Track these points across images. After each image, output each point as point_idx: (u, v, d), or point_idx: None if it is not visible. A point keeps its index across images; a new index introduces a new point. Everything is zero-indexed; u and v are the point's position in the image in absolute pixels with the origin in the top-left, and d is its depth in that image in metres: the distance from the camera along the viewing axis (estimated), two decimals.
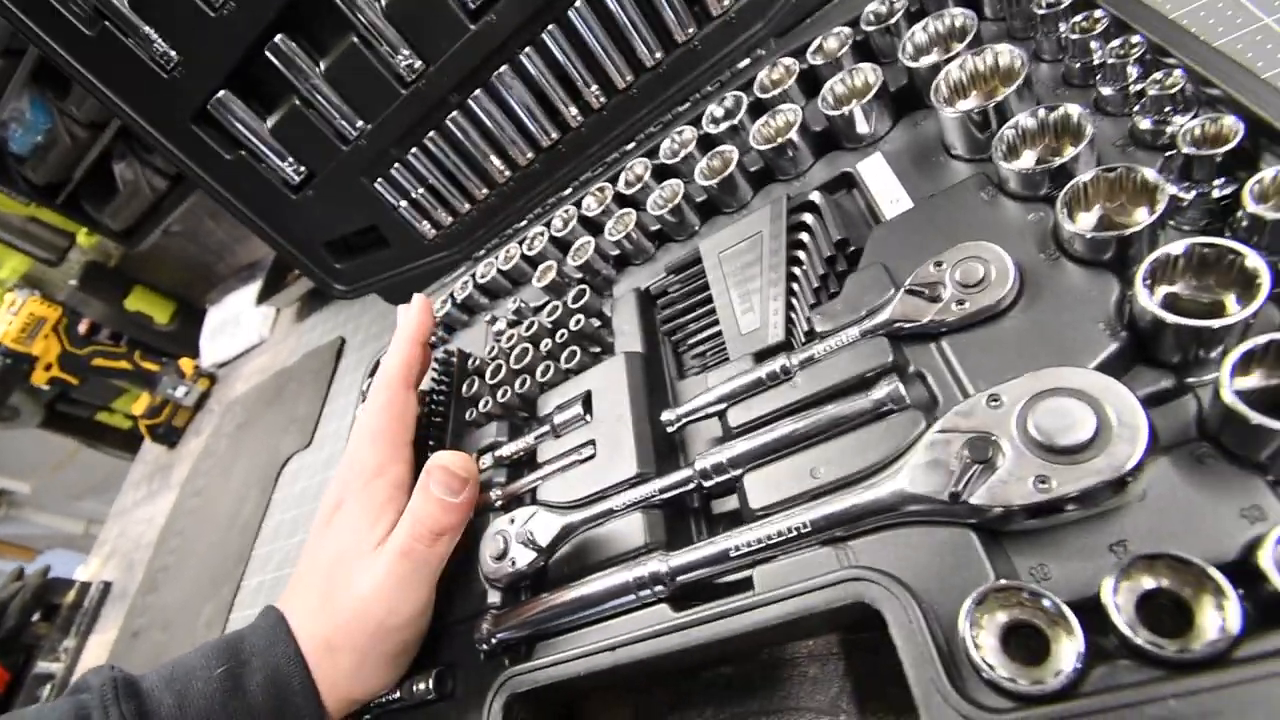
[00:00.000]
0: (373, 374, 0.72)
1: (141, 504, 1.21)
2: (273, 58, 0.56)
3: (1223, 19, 0.39)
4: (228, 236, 1.23)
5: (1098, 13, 0.35)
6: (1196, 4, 0.40)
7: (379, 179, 0.64)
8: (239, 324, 1.23)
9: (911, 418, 0.32)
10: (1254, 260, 0.25)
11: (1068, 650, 0.24)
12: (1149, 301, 0.27)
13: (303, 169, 0.64)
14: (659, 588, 0.35)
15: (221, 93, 0.59)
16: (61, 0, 0.56)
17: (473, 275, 0.65)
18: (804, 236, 0.44)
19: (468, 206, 0.66)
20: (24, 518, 2.56)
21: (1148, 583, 0.24)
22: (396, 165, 0.63)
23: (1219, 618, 0.22)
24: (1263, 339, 0.24)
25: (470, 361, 0.60)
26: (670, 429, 0.41)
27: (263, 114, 0.61)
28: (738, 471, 0.36)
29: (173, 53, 0.57)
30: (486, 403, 0.54)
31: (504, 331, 0.60)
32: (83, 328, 1.11)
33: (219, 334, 1.27)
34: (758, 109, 0.51)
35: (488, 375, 0.56)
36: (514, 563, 0.42)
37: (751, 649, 0.37)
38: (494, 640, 0.41)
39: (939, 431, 0.29)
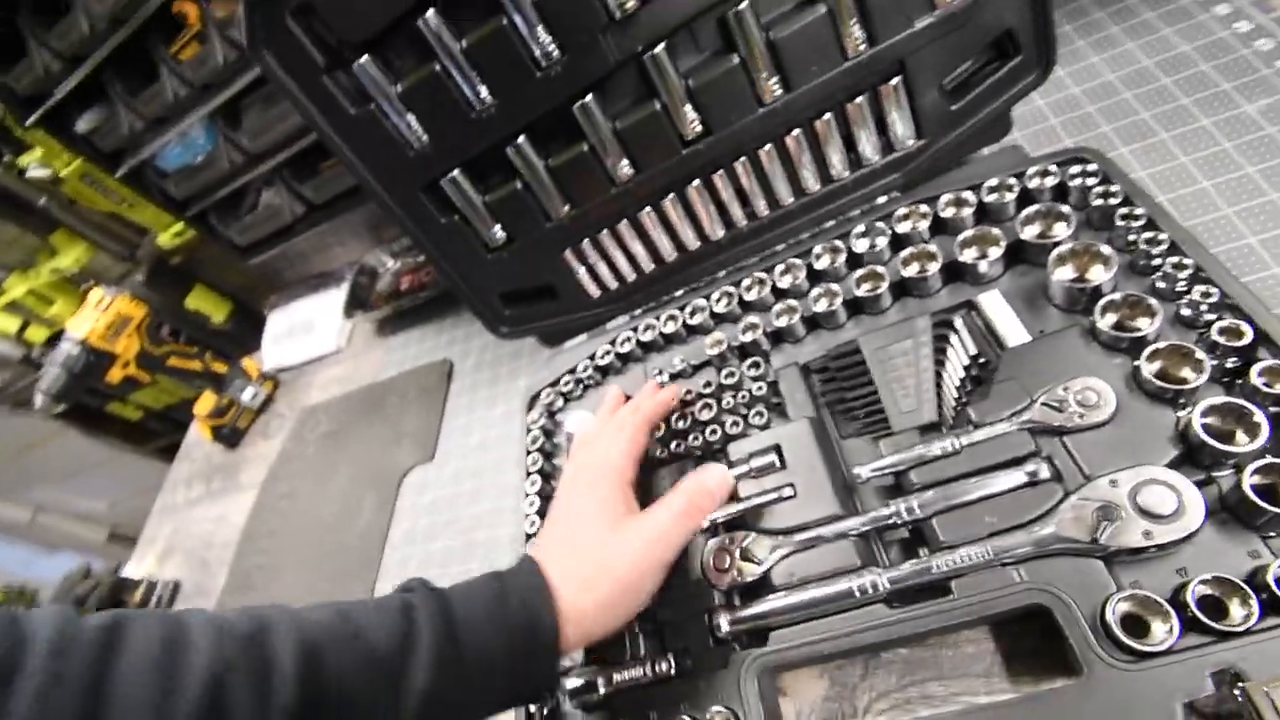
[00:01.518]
0: (531, 405, 0.84)
1: (200, 503, 1.25)
2: (511, 155, 0.69)
3: (1226, 232, 0.61)
4: (307, 247, 1.28)
5: (1160, 234, 0.56)
6: (1217, 214, 0.61)
7: (567, 250, 0.77)
8: (312, 331, 1.29)
9: (1050, 488, 0.51)
10: (1260, 415, 0.46)
11: (1163, 632, 0.43)
12: (1201, 432, 0.47)
13: (503, 235, 0.76)
14: (875, 593, 0.52)
15: (456, 173, 0.71)
16: (335, 79, 0.67)
17: (634, 331, 0.80)
18: (948, 347, 0.62)
19: (634, 276, 0.80)
20: None
21: (1203, 590, 0.43)
22: (586, 241, 0.77)
23: (1243, 609, 0.42)
24: (1266, 460, 0.44)
25: None
26: (860, 481, 0.59)
27: (482, 190, 0.74)
28: (924, 515, 0.54)
29: (424, 137, 0.69)
30: (677, 444, 0.69)
31: (667, 383, 0.76)
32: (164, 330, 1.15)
33: (285, 339, 1.32)
34: (894, 238, 0.69)
35: (673, 420, 0.71)
36: (739, 574, 0.58)
37: (924, 635, 0.54)
38: (727, 629, 0.56)
39: (1079, 498, 0.48)
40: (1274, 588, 0.41)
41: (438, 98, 0.66)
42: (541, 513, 0.74)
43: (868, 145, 0.70)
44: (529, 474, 0.77)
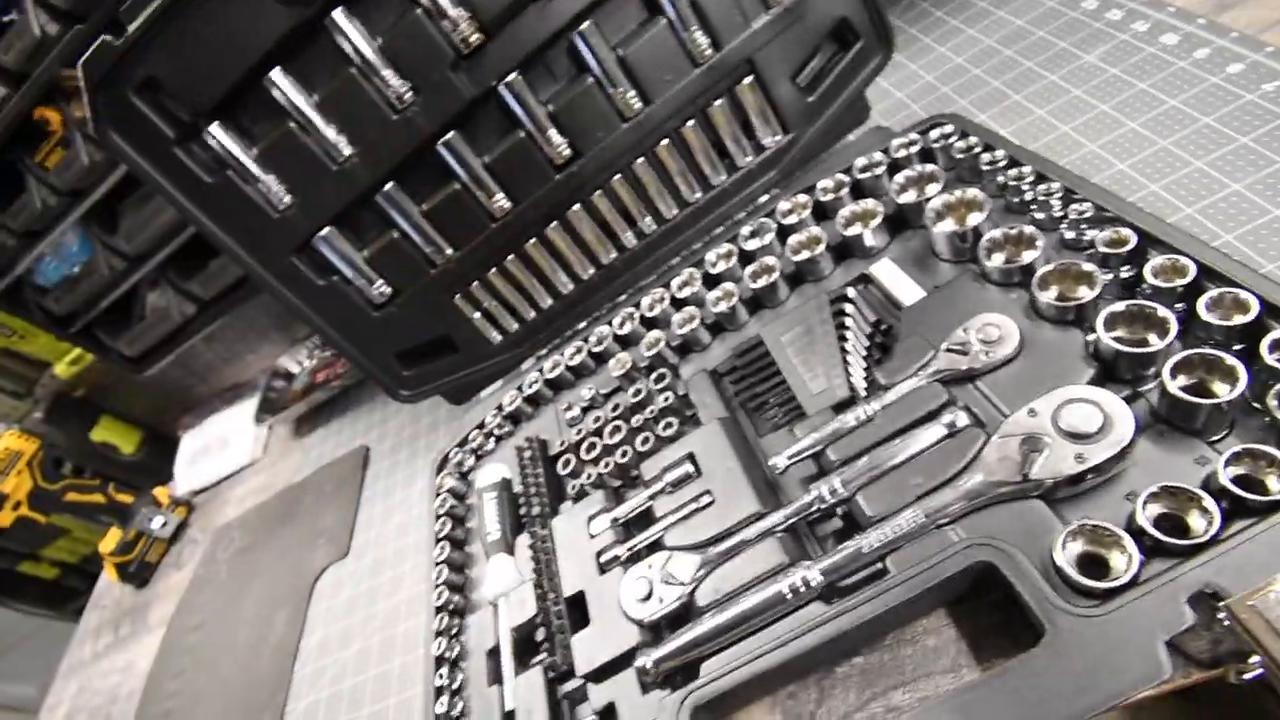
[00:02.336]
0: (440, 469, 0.77)
1: (108, 653, 1.10)
2: (382, 203, 0.67)
3: (1096, 165, 0.61)
4: (216, 358, 1.24)
5: (1025, 168, 0.55)
6: (1083, 151, 0.61)
7: (458, 295, 0.74)
8: (226, 446, 1.21)
9: (972, 434, 0.45)
10: (1164, 312, 0.42)
11: (1123, 563, 0.37)
12: (1111, 342, 0.43)
13: (388, 290, 0.73)
14: (809, 590, 0.45)
15: (327, 229, 0.69)
16: (187, 150, 0.65)
17: (540, 370, 0.75)
18: (847, 320, 0.59)
19: (533, 314, 0.77)
20: None
21: (1155, 509, 0.38)
22: (476, 283, 0.74)
23: (1204, 519, 0.36)
24: (1184, 354, 0.40)
25: (560, 444, 0.68)
26: (779, 471, 0.53)
27: (359, 245, 0.71)
28: (849, 493, 0.48)
29: (288, 198, 0.67)
30: (589, 476, 0.63)
31: (579, 416, 0.70)
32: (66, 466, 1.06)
33: (200, 458, 1.23)
34: (780, 230, 0.68)
35: (581, 451, 0.65)
36: (661, 600, 0.50)
37: (880, 635, 0.46)
38: (659, 670, 0.47)
39: (1000, 437, 0.43)
40: (1230, 488, 0.36)
41: (296, 155, 0.65)
42: (449, 583, 0.65)
43: (738, 148, 0.70)
44: (437, 540, 0.69)
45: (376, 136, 0.64)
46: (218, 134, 0.63)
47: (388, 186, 0.67)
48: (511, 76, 0.63)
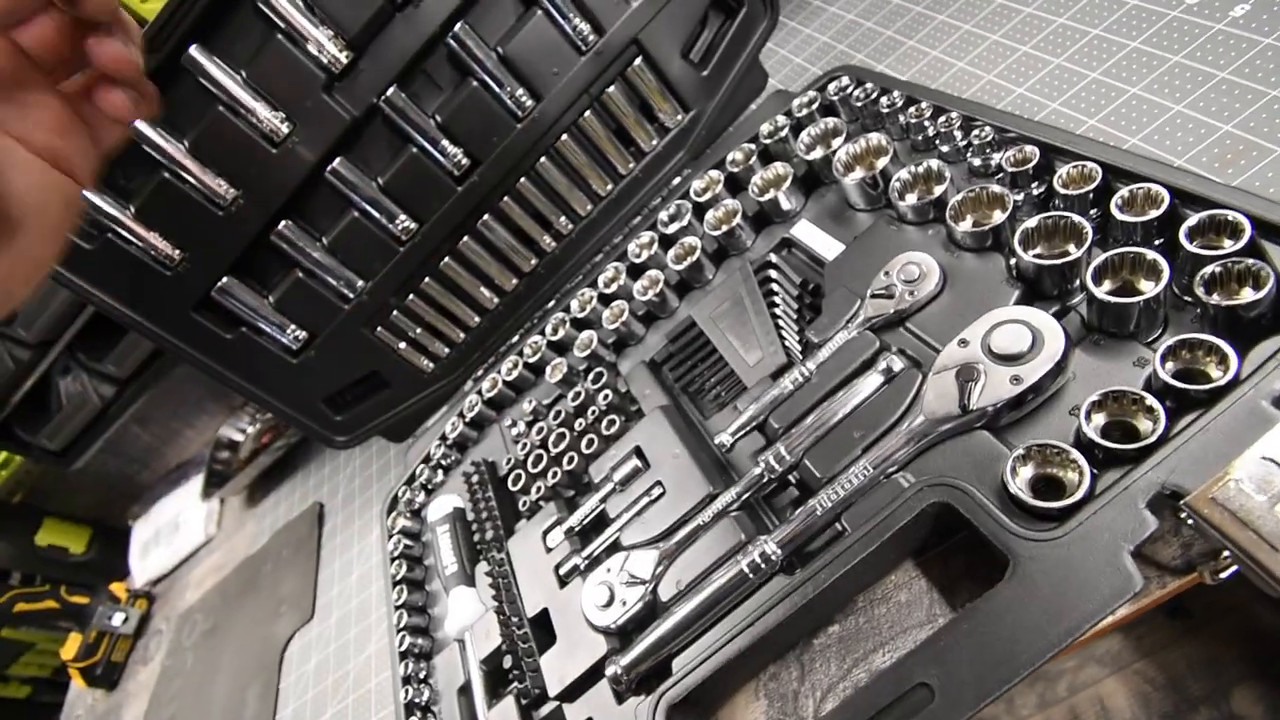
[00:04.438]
0: (391, 511, 0.73)
1: None
2: (279, 242, 0.64)
3: (996, 94, 0.60)
4: (154, 440, 1.18)
5: (923, 104, 0.54)
6: (982, 82, 0.61)
7: (378, 328, 0.71)
8: (178, 529, 1.15)
9: (910, 375, 0.44)
10: (1079, 219, 0.41)
11: (1075, 479, 0.35)
12: (1029, 258, 0.41)
13: (302, 334, 0.69)
14: (770, 564, 0.42)
15: (224, 279, 0.65)
16: None
17: (479, 393, 0.72)
18: (774, 286, 0.57)
19: (462, 335, 0.74)
20: None
21: (1100, 419, 0.36)
22: (395, 312, 0.70)
23: (1150, 420, 0.34)
24: (1104, 256, 0.39)
25: (506, 463, 0.65)
26: (727, 450, 0.50)
27: (263, 291, 0.67)
28: (795, 458, 0.45)
29: (176, 253, 0.63)
30: (539, 489, 0.60)
31: (525, 431, 0.67)
32: None
33: (153, 546, 1.17)
34: (698, 209, 0.66)
35: (529, 466, 0.62)
36: (624, 603, 0.47)
37: (850, 598, 0.44)
38: (630, 676, 0.44)
39: (935, 374, 0.41)
40: (1170, 382, 0.34)
41: (177, 204, 0.61)
42: (411, 627, 0.61)
43: (642, 133, 0.69)
44: (394, 584, 0.65)
45: (258, 174, 0.61)
46: (87, 196, 0.59)
47: (281, 225, 0.63)
48: (390, 91, 0.60)
